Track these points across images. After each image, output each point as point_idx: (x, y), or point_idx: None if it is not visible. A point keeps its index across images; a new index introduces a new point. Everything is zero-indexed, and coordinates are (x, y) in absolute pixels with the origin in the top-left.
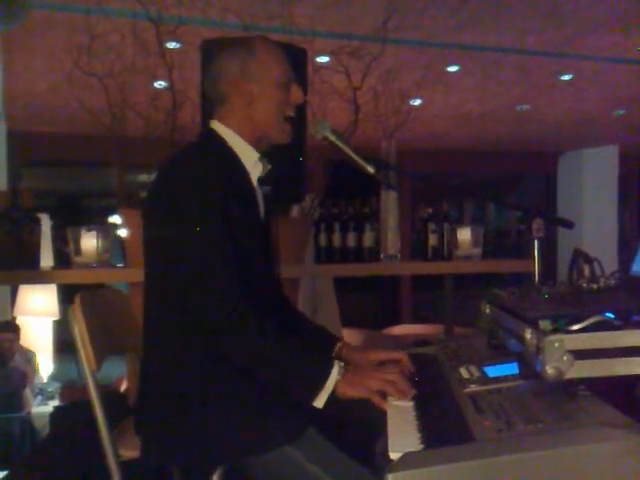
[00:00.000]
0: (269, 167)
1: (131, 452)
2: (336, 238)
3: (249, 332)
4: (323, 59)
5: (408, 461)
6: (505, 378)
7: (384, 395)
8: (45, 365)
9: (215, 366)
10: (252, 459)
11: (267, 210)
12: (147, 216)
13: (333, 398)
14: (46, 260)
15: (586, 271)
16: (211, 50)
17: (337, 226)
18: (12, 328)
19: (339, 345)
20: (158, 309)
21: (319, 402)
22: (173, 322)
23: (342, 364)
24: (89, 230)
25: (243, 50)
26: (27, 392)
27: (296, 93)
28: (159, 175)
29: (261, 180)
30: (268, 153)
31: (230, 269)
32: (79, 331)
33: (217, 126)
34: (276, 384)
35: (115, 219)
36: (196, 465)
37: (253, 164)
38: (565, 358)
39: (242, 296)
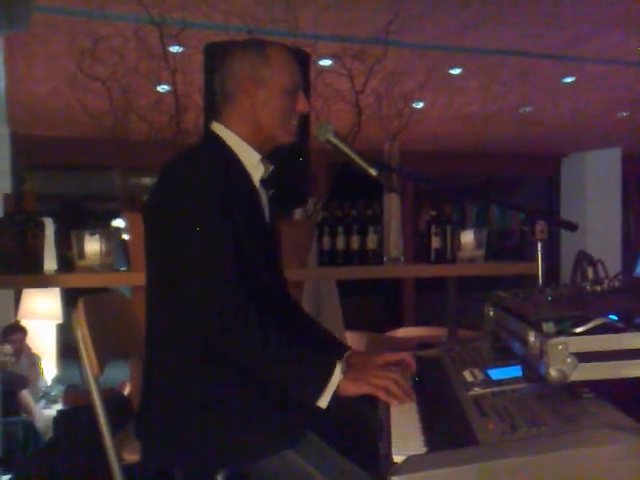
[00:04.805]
0: (271, 168)
1: (134, 456)
2: (339, 241)
3: (252, 333)
4: (326, 62)
5: (412, 464)
6: (509, 381)
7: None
8: (49, 369)
9: (217, 371)
10: (254, 463)
11: (272, 212)
12: (148, 218)
13: (335, 400)
14: (49, 264)
15: (589, 273)
16: (214, 53)
17: (340, 229)
18: (20, 328)
19: (349, 353)
20: (160, 313)
21: (322, 402)
22: (175, 326)
23: (344, 363)
24: (93, 234)
25: (256, 54)
26: (26, 395)
27: (302, 103)
28: (160, 177)
29: (265, 183)
30: (272, 155)
31: (233, 270)
32: (81, 335)
33: (218, 128)
34: (278, 385)
35: (118, 223)
36: (198, 469)
37: (255, 166)
38: (569, 360)
39: (245, 297)
